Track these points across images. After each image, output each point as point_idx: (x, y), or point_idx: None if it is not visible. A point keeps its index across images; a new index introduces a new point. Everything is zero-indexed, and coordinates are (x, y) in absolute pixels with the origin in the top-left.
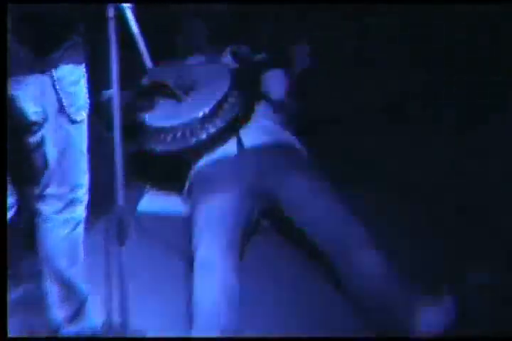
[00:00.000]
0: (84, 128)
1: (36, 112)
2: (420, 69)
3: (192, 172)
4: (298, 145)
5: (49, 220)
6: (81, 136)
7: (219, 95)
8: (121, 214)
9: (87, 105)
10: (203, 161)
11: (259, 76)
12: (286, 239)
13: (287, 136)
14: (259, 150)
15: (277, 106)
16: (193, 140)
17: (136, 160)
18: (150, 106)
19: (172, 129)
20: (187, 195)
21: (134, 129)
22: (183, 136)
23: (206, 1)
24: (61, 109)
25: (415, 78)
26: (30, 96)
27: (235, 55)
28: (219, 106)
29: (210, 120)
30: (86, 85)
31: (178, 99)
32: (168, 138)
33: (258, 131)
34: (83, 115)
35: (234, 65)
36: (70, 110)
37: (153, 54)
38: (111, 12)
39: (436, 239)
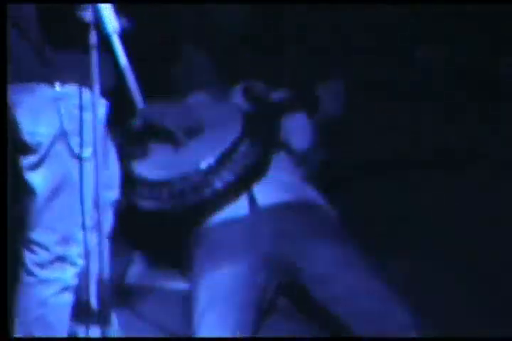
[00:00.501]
0: (89, 168)
1: (31, 133)
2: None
3: (193, 237)
4: (324, 204)
5: (30, 273)
6: (82, 178)
7: (228, 142)
8: (104, 291)
9: (98, 143)
10: (207, 224)
11: (278, 120)
12: (306, 318)
13: (310, 194)
14: (276, 211)
15: (299, 158)
16: (195, 197)
17: (122, 221)
18: (142, 154)
19: (169, 183)
20: (186, 266)
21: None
22: (182, 192)
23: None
24: (62, 136)
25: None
26: (26, 110)
27: (247, 94)
28: (227, 155)
29: (217, 173)
30: (105, 118)
31: (178, 145)
32: (164, 195)
33: (275, 187)
34: (89, 153)
35: (246, 106)
36: (73, 140)
37: (146, 90)
38: (93, 39)
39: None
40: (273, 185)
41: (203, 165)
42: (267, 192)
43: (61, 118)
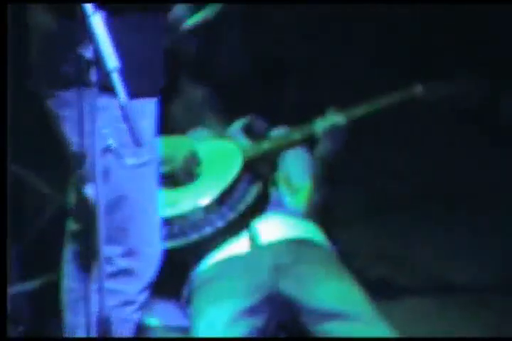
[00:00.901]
0: (150, 173)
1: (80, 145)
2: None
3: (192, 275)
4: (324, 241)
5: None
6: (142, 186)
7: (227, 180)
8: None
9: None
10: (207, 262)
11: (278, 157)
12: None
13: (311, 231)
14: (276, 248)
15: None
16: (195, 236)
17: None
18: None
19: (167, 222)
20: (186, 305)
21: None
22: (181, 231)
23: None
24: (110, 148)
25: None
26: (70, 119)
27: (247, 130)
28: (227, 193)
29: (217, 210)
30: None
31: (177, 184)
32: (164, 233)
33: (275, 224)
34: (145, 157)
35: (246, 142)
36: (122, 151)
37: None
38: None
39: None
40: (273, 222)
41: (203, 203)
42: (267, 229)
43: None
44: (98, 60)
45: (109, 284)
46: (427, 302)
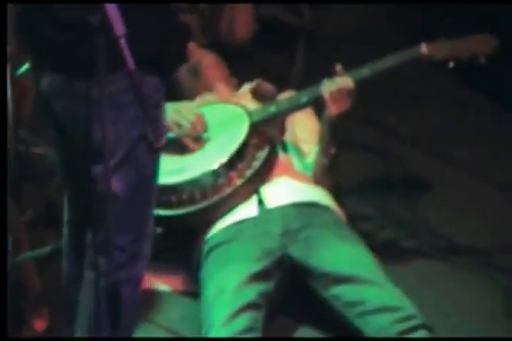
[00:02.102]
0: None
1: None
2: None
3: (201, 241)
4: (332, 205)
5: (105, 278)
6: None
7: (234, 145)
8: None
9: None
10: (216, 227)
11: (285, 121)
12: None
13: (320, 194)
14: (285, 212)
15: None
16: (203, 202)
17: None
18: None
19: (176, 188)
20: (195, 269)
21: None
22: (190, 197)
23: None
24: (142, 138)
25: None
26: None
27: (256, 92)
28: (235, 157)
29: (225, 175)
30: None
31: (185, 150)
32: (173, 200)
33: (284, 187)
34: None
35: (253, 106)
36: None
37: None
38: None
39: None
40: (282, 187)
41: (211, 169)
42: (275, 193)
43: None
44: (104, 27)
45: (123, 274)
46: (434, 264)
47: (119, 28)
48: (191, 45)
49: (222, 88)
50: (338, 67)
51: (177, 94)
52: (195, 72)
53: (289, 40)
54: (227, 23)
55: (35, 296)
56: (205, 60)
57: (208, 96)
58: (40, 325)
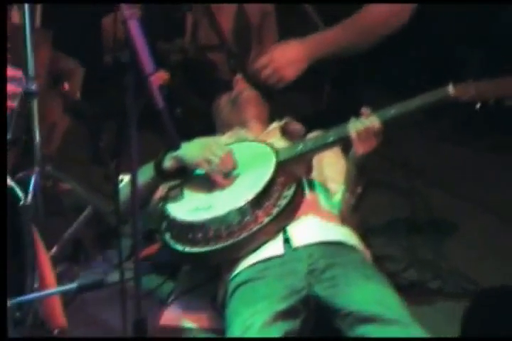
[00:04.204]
0: None
1: None
2: None
3: (227, 279)
4: (358, 245)
5: None
6: None
7: (262, 182)
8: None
9: None
10: (242, 265)
11: (311, 160)
12: None
13: (346, 233)
14: (311, 251)
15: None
16: (230, 239)
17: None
18: (176, 194)
19: (203, 225)
20: (221, 307)
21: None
22: (216, 234)
23: None
24: None
25: None
26: None
27: (284, 131)
28: (262, 196)
29: (252, 214)
30: None
31: (213, 188)
32: (199, 237)
33: (310, 226)
34: None
35: (282, 144)
36: None
37: (184, 131)
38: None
39: None
40: (308, 225)
41: (237, 206)
42: (302, 232)
43: None
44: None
45: None
46: (460, 306)
47: (149, 65)
48: (238, 77)
49: (255, 125)
50: (364, 109)
51: (211, 123)
52: (234, 103)
53: (317, 80)
54: (254, 61)
55: (60, 331)
56: (247, 92)
57: (241, 132)
58: None
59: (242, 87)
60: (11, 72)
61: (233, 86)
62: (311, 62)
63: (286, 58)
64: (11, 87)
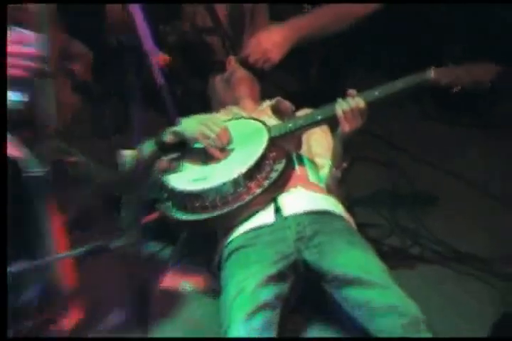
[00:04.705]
0: None
1: None
2: None
3: (222, 244)
4: (343, 214)
5: None
6: None
7: (254, 158)
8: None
9: None
10: (235, 233)
11: (300, 136)
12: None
13: (332, 203)
14: (300, 219)
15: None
16: (224, 208)
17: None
18: (176, 168)
19: (200, 195)
20: (216, 270)
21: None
22: (212, 204)
23: None
24: None
25: None
26: None
27: (275, 110)
28: (254, 169)
29: (245, 185)
30: None
31: (208, 160)
32: (196, 206)
33: (299, 197)
34: None
35: (273, 121)
36: None
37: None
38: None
39: None
40: (297, 196)
41: (232, 177)
42: (291, 202)
43: None
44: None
45: None
46: (437, 270)
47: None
48: (230, 58)
49: (248, 103)
50: (351, 90)
51: (211, 99)
52: (227, 83)
53: (305, 60)
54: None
55: (72, 290)
56: (239, 73)
57: (234, 109)
58: (74, 316)
59: (234, 68)
60: (31, 36)
61: (226, 66)
62: (293, 44)
63: (271, 42)
64: (32, 50)
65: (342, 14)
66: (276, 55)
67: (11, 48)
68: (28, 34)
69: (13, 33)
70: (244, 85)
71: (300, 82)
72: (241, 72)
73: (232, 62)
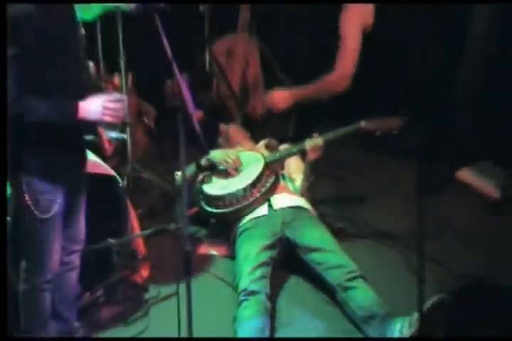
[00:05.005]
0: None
1: None
2: None
3: (236, 227)
4: (311, 209)
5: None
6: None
7: (255, 175)
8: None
9: None
10: (244, 220)
11: (284, 162)
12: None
13: (304, 202)
14: (284, 211)
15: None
16: (237, 205)
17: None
18: (208, 181)
19: (223, 197)
20: (232, 243)
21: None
22: (230, 203)
23: None
24: None
25: None
26: None
27: (267, 147)
28: (255, 182)
29: (250, 191)
30: None
31: (229, 176)
32: (220, 204)
33: (283, 198)
34: None
35: (266, 153)
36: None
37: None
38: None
39: None
40: (282, 197)
41: (242, 187)
42: (278, 201)
43: None
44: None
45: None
46: (366, 243)
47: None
48: (220, 126)
49: (246, 144)
50: (314, 134)
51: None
52: (227, 139)
53: (286, 115)
54: (251, 106)
55: (142, 257)
56: (231, 130)
57: (240, 148)
58: (144, 273)
59: (226, 128)
60: (119, 97)
61: (220, 130)
62: (293, 102)
63: (281, 97)
64: (121, 106)
65: (328, 89)
66: (281, 106)
67: (108, 104)
68: (118, 96)
69: (110, 96)
70: (237, 136)
71: (284, 129)
72: (233, 128)
73: (222, 126)
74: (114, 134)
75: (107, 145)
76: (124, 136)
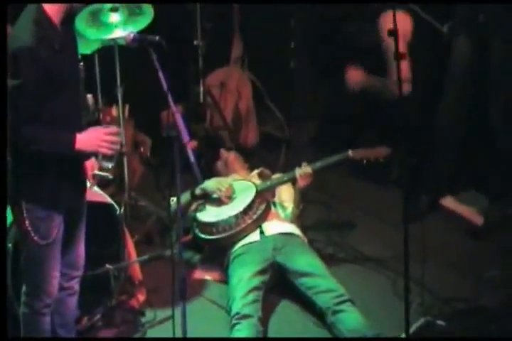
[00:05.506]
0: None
1: None
2: None
3: (229, 253)
4: (301, 235)
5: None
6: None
7: (247, 202)
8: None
9: None
10: (236, 246)
11: (274, 190)
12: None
13: (293, 229)
14: (275, 238)
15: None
16: (230, 231)
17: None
18: (201, 208)
19: (216, 224)
20: (225, 268)
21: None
22: (223, 229)
23: None
24: None
25: None
26: None
27: (259, 175)
28: (247, 209)
29: (242, 218)
30: None
31: (221, 204)
32: (213, 230)
33: (274, 224)
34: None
35: (258, 181)
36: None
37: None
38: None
39: None
40: (273, 224)
41: (234, 214)
42: (270, 227)
43: None
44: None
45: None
46: (353, 267)
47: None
48: (221, 151)
49: (242, 172)
50: (303, 163)
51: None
52: (226, 165)
53: (277, 145)
54: (243, 136)
55: (139, 282)
56: (230, 157)
57: (236, 176)
58: (141, 297)
59: (226, 154)
60: (115, 129)
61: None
62: (365, 84)
63: (357, 74)
64: (116, 139)
65: (392, 88)
66: (357, 83)
67: (104, 137)
68: (114, 129)
69: (106, 128)
70: (235, 163)
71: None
72: (232, 156)
73: (223, 152)
74: (107, 164)
75: (91, 180)
76: (109, 165)
